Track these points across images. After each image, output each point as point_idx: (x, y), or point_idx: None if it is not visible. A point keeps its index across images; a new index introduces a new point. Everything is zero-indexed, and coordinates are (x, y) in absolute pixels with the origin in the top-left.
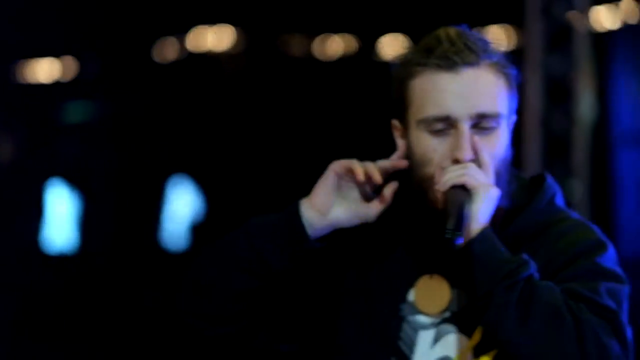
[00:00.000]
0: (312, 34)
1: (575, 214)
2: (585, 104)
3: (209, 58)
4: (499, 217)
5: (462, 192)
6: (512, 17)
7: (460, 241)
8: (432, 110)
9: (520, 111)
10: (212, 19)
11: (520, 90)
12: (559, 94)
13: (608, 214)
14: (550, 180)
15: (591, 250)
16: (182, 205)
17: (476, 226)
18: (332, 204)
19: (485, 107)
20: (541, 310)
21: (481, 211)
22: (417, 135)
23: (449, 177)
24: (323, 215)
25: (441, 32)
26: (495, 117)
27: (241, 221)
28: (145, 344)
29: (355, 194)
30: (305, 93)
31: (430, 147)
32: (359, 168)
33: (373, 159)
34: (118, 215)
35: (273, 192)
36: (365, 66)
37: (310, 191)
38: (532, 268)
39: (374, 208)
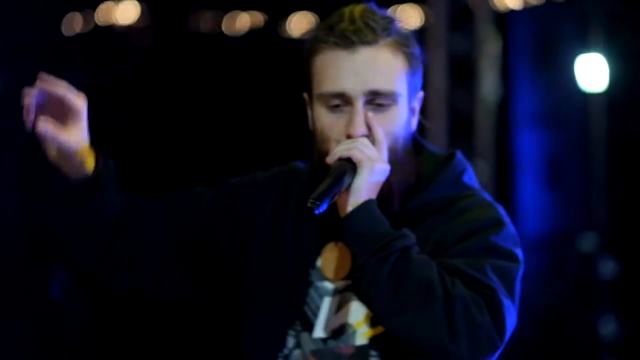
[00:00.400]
0: (221, 11)
1: (483, 193)
2: (488, 84)
3: (115, 32)
4: (401, 192)
5: (347, 164)
6: None
7: (322, 210)
8: (328, 86)
9: (424, 90)
10: None
11: (424, 69)
12: (462, 73)
13: (511, 193)
14: (460, 157)
15: (486, 227)
16: None
17: (357, 199)
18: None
19: (380, 84)
20: (412, 283)
21: (365, 184)
22: (317, 110)
23: (337, 150)
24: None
25: (346, 10)
26: (390, 94)
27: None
28: (52, 313)
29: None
30: (214, 68)
31: (328, 123)
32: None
33: (281, 130)
34: (24, 190)
35: (182, 166)
36: (272, 42)
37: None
38: (409, 241)
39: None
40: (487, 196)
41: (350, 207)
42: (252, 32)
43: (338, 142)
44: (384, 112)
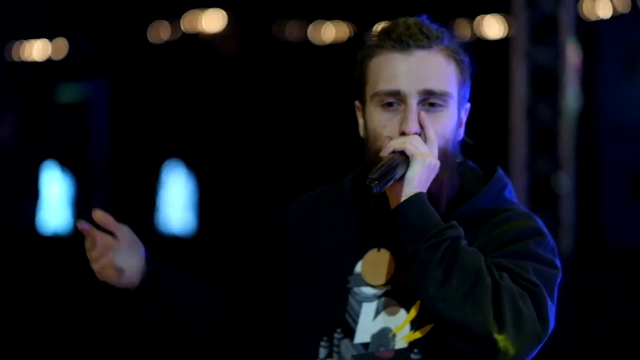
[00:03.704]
0: (307, 20)
1: (522, 207)
2: (572, 96)
3: (202, 40)
4: (448, 195)
5: (401, 157)
6: (501, 7)
7: (379, 189)
8: (384, 85)
9: (506, 101)
10: (205, 4)
11: (506, 80)
12: (545, 85)
13: (593, 206)
14: (501, 173)
15: (527, 236)
16: (177, 189)
17: (411, 190)
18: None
19: (434, 84)
20: (462, 271)
21: (418, 177)
22: (371, 110)
23: (391, 144)
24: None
25: (401, 20)
26: (443, 95)
27: (234, 205)
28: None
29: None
30: (299, 78)
31: (382, 122)
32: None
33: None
34: (113, 196)
35: (268, 177)
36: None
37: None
38: (459, 233)
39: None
40: (526, 210)
41: (403, 198)
42: (338, 42)
43: (391, 139)
44: (436, 112)
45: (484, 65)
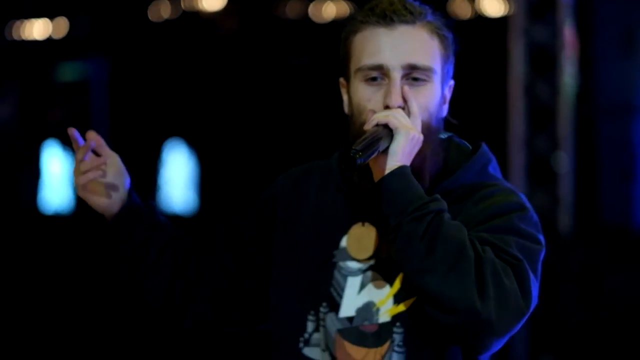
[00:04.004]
0: None
1: (506, 183)
2: (569, 74)
3: (202, 18)
4: (431, 170)
5: (384, 130)
6: None
7: (363, 161)
8: (368, 59)
9: (504, 80)
10: None
11: (504, 59)
12: (543, 63)
13: (591, 185)
14: (485, 148)
15: (510, 210)
16: (178, 168)
17: (394, 163)
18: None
19: (417, 59)
20: (445, 243)
21: (401, 149)
22: (355, 85)
23: (375, 117)
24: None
25: None
26: (426, 70)
27: (236, 184)
28: (139, 302)
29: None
30: (299, 55)
31: (365, 95)
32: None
33: None
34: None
35: (269, 155)
36: None
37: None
38: (443, 206)
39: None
40: (510, 185)
41: (387, 170)
42: (338, 20)
43: (375, 112)
44: (419, 86)
45: (484, 43)
